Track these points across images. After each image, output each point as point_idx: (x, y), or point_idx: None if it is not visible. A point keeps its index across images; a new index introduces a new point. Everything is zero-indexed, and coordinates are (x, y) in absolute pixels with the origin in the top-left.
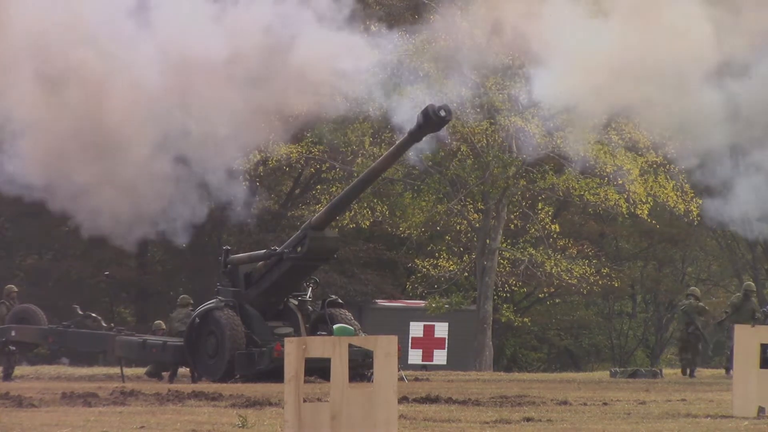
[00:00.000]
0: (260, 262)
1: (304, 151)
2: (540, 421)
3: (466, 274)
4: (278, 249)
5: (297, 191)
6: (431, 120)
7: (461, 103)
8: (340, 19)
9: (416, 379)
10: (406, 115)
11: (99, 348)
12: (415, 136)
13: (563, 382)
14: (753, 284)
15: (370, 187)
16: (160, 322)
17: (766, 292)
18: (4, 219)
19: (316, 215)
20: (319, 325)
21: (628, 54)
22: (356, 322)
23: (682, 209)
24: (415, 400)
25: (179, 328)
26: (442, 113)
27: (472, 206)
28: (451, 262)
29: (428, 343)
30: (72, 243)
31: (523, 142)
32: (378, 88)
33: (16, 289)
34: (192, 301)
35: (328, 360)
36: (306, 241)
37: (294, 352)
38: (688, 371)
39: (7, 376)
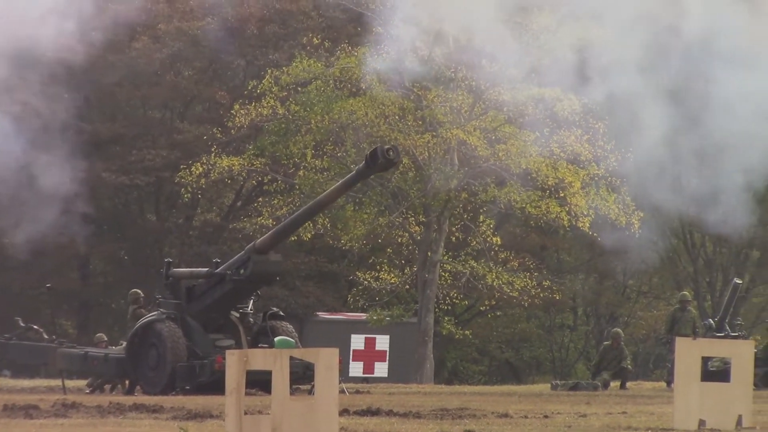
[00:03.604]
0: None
1: (246, 164)
2: None
3: (408, 286)
4: (221, 267)
5: (239, 204)
6: (379, 161)
7: (403, 115)
8: None
9: (357, 392)
10: None
11: (41, 360)
12: (363, 174)
13: (504, 395)
14: (688, 294)
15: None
16: (102, 334)
17: (707, 305)
18: None
19: (261, 239)
20: (261, 337)
21: None
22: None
23: (624, 222)
24: (356, 413)
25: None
26: (390, 154)
27: (413, 219)
28: (392, 275)
29: (369, 356)
30: (13, 255)
31: (465, 155)
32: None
33: None
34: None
35: (270, 372)
36: (249, 264)
37: (235, 364)
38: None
39: None
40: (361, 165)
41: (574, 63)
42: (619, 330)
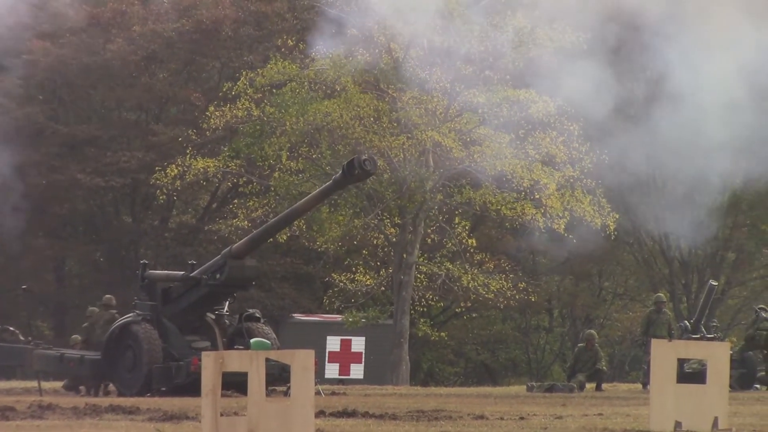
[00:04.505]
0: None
1: (221, 165)
2: None
3: (383, 288)
4: (196, 270)
5: (214, 205)
6: (355, 172)
7: (378, 117)
8: None
9: (333, 393)
10: None
11: (17, 362)
12: (340, 183)
13: (480, 397)
14: (663, 295)
15: (287, 202)
16: (77, 336)
17: (683, 307)
18: None
19: (237, 244)
20: (237, 339)
21: None
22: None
23: (599, 224)
24: (331, 414)
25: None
26: (367, 165)
27: (388, 221)
28: (368, 277)
29: (345, 358)
30: None
31: (440, 157)
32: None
33: None
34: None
35: (246, 374)
36: (225, 269)
37: (211, 366)
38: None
39: None
40: (337, 175)
41: (547, 64)
42: (593, 332)
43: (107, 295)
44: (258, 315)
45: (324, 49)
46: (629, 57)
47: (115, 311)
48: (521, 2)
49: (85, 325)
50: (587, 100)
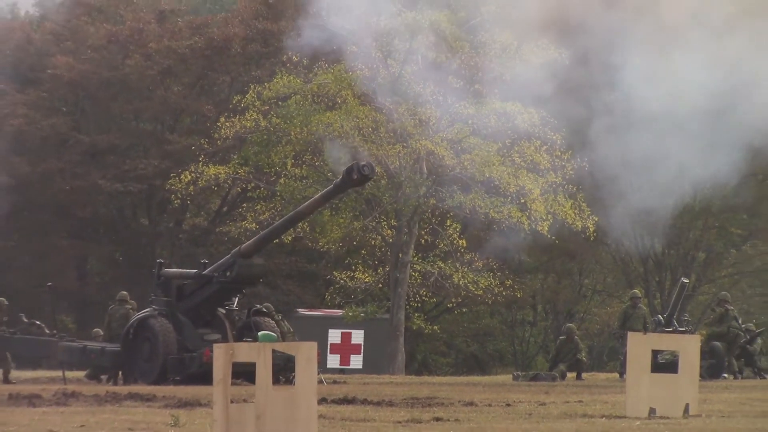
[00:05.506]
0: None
1: (231, 172)
2: (448, 420)
3: (381, 285)
4: (208, 268)
5: (224, 209)
6: (355, 177)
7: (376, 127)
8: None
9: (334, 382)
10: None
11: (43, 353)
12: (340, 188)
13: (470, 385)
14: (638, 291)
15: (292, 205)
16: (99, 329)
17: (656, 303)
18: None
19: (246, 244)
20: (245, 332)
21: None
22: (286, 325)
23: (580, 226)
24: (333, 401)
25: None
26: (366, 170)
27: (386, 223)
28: (366, 275)
29: (345, 349)
30: (15, 256)
31: (433, 164)
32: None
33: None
34: (129, 299)
35: (254, 364)
36: (235, 267)
37: (222, 357)
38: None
39: None
40: (338, 180)
41: (535, 79)
42: (572, 325)
43: (123, 292)
44: (271, 309)
45: (303, 43)
46: (598, 69)
47: (130, 306)
48: (506, 20)
49: (106, 321)
50: (565, 111)
